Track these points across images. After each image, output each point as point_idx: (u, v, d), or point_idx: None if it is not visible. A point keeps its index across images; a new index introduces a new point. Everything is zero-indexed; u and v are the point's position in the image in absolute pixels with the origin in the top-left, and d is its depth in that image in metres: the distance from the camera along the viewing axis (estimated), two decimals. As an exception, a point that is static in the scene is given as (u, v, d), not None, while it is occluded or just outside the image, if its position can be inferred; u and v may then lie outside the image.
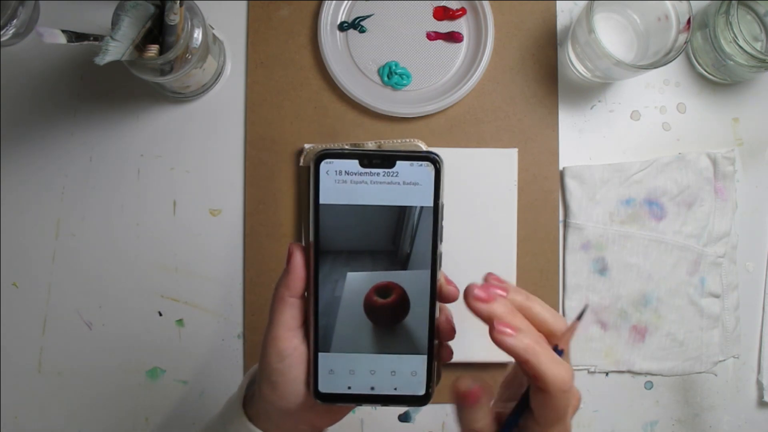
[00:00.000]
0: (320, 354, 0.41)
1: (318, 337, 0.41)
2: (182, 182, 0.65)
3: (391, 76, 0.66)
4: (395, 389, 0.42)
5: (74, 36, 0.52)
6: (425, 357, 0.41)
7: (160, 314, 0.65)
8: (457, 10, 0.66)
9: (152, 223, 0.65)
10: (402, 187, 0.40)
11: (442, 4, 0.66)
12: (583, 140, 0.67)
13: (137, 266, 0.65)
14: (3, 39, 0.63)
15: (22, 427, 0.64)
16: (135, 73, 0.56)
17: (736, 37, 0.59)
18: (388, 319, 0.41)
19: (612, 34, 0.65)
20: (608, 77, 0.64)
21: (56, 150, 0.65)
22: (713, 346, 0.66)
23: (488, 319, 0.37)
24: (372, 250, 0.41)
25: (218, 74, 0.65)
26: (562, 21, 0.67)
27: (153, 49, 0.55)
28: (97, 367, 0.64)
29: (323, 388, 0.41)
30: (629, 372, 0.65)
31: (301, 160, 0.41)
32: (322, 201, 0.40)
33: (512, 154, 0.64)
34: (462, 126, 0.66)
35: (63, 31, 0.52)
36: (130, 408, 0.64)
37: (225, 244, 0.65)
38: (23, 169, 0.65)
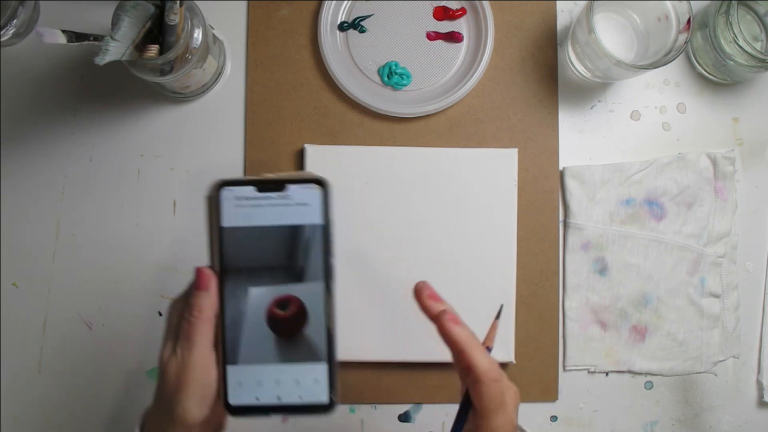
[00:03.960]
0: (228, 367, 0.43)
1: (226, 350, 0.44)
2: (182, 182, 0.65)
3: (391, 76, 0.66)
4: (300, 397, 0.44)
5: (74, 36, 0.52)
6: (326, 364, 0.44)
7: (160, 314, 0.65)
8: (457, 10, 0.66)
9: (152, 223, 0.65)
10: (294, 208, 0.44)
11: (442, 4, 0.66)
12: (583, 140, 0.67)
13: (137, 266, 0.65)
14: (3, 39, 0.63)
15: (22, 427, 0.64)
16: (135, 73, 0.56)
17: (736, 37, 0.59)
18: (289, 330, 0.44)
19: (612, 34, 0.65)
20: (608, 77, 0.65)
21: (56, 150, 0.65)
22: (713, 346, 0.66)
23: (437, 314, 0.45)
24: (271, 266, 0.44)
25: (218, 74, 0.65)
26: (562, 21, 0.67)
27: (153, 49, 0.55)
28: (97, 367, 0.64)
29: (233, 400, 0.44)
30: (629, 372, 0.65)
31: (208, 192, 0.45)
32: (224, 224, 0.44)
33: (512, 154, 0.64)
34: (462, 126, 0.66)
35: (63, 31, 0.52)
36: (131, 408, 0.64)
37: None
38: (23, 169, 0.65)
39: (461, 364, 0.44)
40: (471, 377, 0.43)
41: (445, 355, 0.63)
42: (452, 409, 0.65)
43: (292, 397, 0.44)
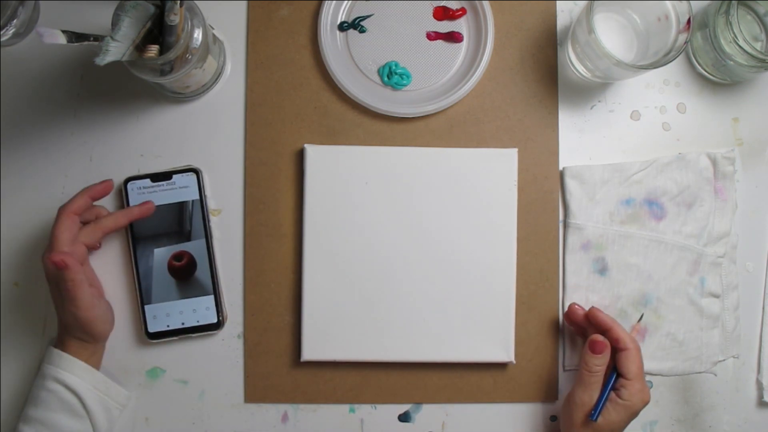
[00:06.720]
0: (145, 306, 0.62)
1: (142, 294, 0.62)
2: (182, 182, 0.65)
3: (391, 76, 0.66)
4: (197, 321, 0.62)
5: (74, 36, 0.52)
6: (212, 296, 0.62)
7: (160, 314, 0.65)
8: (457, 10, 0.66)
9: (152, 223, 0.65)
10: (179, 190, 0.63)
11: (442, 4, 0.66)
12: (583, 140, 0.67)
13: (137, 266, 0.65)
14: (3, 39, 0.63)
15: (22, 427, 0.64)
16: (135, 73, 0.56)
17: (736, 37, 0.59)
18: (184, 275, 0.62)
19: (612, 34, 0.65)
20: (608, 77, 0.65)
21: (56, 150, 0.65)
22: (713, 346, 0.66)
23: (590, 308, 0.61)
24: (168, 232, 0.63)
25: (218, 74, 0.65)
26: (562, 21, 0.67)
27: (153, 49, 0.55)
28: (97, 367, 0.64)
29: (151, 329, 0.62)
30: (629, 372, 0.65)
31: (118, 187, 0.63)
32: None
33: (512, 154, 0.64)
34: (462, 126, 0.66)
35: (63, 31, 0.52)
36: (130, 408, 0.64)
37: (225, 244, 0.65)
38: (23, 169, 0.65)
39: (611, 338, 0.58)
40: (620, 346, 0.58)
41: (444, 355, 0.63)
42: (452, 409, 0.65)
43: (191, 321, 0.62)
